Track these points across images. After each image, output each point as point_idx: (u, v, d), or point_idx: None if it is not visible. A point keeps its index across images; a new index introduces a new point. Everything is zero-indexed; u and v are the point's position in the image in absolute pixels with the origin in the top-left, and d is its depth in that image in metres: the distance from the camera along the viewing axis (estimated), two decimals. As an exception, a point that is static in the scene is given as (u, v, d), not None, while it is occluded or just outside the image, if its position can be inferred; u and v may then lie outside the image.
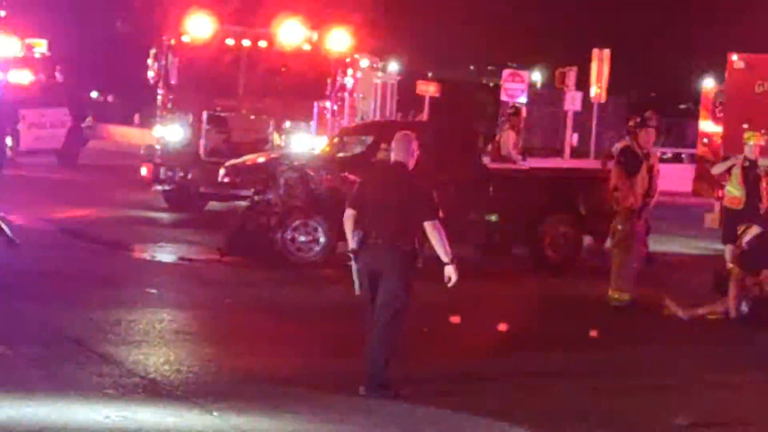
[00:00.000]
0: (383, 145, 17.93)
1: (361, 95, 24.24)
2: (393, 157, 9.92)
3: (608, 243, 14.82)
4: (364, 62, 24.77)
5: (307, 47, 21.99)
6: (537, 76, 57.68)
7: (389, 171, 10.00)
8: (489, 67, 61.00)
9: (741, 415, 9.69)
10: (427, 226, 9.50)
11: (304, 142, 20.97)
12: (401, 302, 9.60)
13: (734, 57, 20.32)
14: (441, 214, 9.64)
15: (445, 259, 9.53)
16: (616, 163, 14.76)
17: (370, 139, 18.21)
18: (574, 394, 10.03)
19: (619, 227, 14.35)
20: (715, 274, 14.82)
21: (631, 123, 15.28)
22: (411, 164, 9.82)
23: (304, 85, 21.95)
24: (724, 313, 13.92)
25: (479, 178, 16.97)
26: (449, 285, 9.56)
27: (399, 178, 9.80)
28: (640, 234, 14.61)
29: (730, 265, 14.52)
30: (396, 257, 9.55)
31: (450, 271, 9.52)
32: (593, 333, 12.22)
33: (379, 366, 9.49)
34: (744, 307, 13.80)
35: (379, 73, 26.74)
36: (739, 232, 14.53)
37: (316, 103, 21.87)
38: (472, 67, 67.54)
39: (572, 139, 32.53)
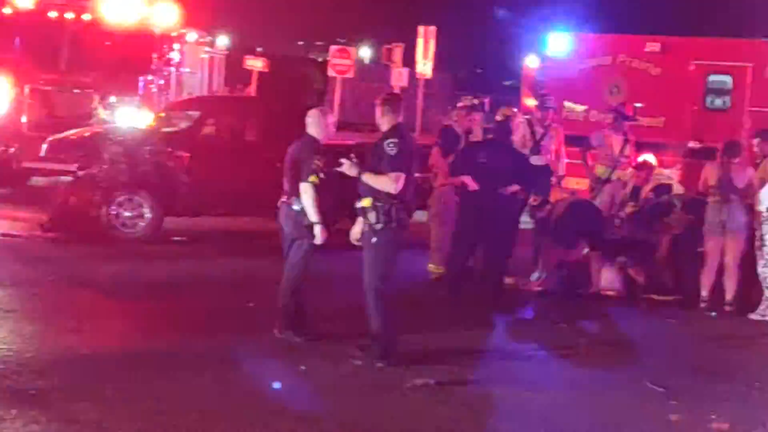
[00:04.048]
0: (210, 120, 17.92)
1: (188, 70, 24.05)
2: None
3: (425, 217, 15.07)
4: (191, 36, 24.56)
5: (132, 21, 21.75)
6: (366, 52, 57.97)
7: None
8: (318, 43, 61.08)
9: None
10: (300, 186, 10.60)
11: (130, 117, 20.75)
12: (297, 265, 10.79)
13: (555, 35, 20.80)
14: (314, 178, 10.51)
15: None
16: (435, 142, 15.10)
17: (196, 114, 18.13)
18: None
19: (434, 203, 14.71)
20: (536, 248, 15.21)
21: (459, 104, 15.49)
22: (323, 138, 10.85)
23: (130, 59, 21.72)
24: (541, 285, 14.34)
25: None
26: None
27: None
28: None
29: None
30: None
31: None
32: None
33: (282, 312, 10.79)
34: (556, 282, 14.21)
35: (207, 48, 26.54)
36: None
37: (141, 78, 21.67)
38: (300, 43, 67.52)
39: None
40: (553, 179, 16.19)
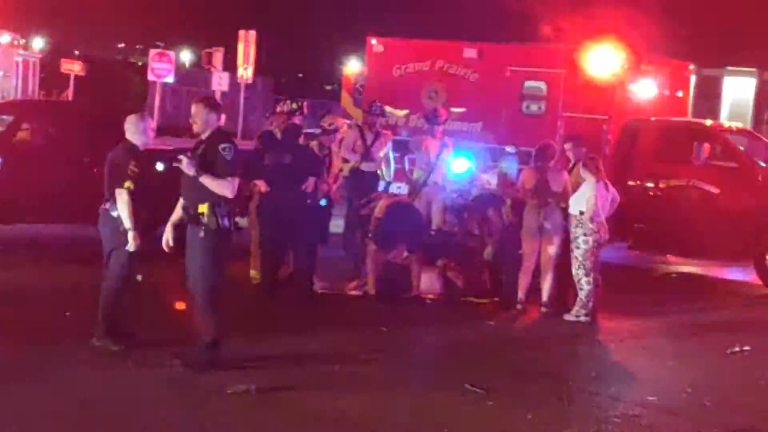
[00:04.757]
0: (24, 125, 17.49)
1: (1, 73, 23.49)
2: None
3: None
4: (5, 38, 23.99)
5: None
6: (186, 56, 57.50)
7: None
8: (137, 46, 60.38)
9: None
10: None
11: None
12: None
13: (374, 41, 20.93)
14: (129, 184, 10.38)
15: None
16: (254, 147, 15.03)
17: (10, 119, 17.70)
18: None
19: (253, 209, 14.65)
20: (356, 250, 15.26)
21: (278, 109, 15.42)
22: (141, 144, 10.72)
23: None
24: (364, 289, 14.37)
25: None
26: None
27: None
28: None
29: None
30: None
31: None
32: None
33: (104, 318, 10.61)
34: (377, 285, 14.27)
35: (21, 51, 25.94)
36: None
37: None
38: (120, 46, 66.67)
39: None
40: (383, 185, 16.43)
